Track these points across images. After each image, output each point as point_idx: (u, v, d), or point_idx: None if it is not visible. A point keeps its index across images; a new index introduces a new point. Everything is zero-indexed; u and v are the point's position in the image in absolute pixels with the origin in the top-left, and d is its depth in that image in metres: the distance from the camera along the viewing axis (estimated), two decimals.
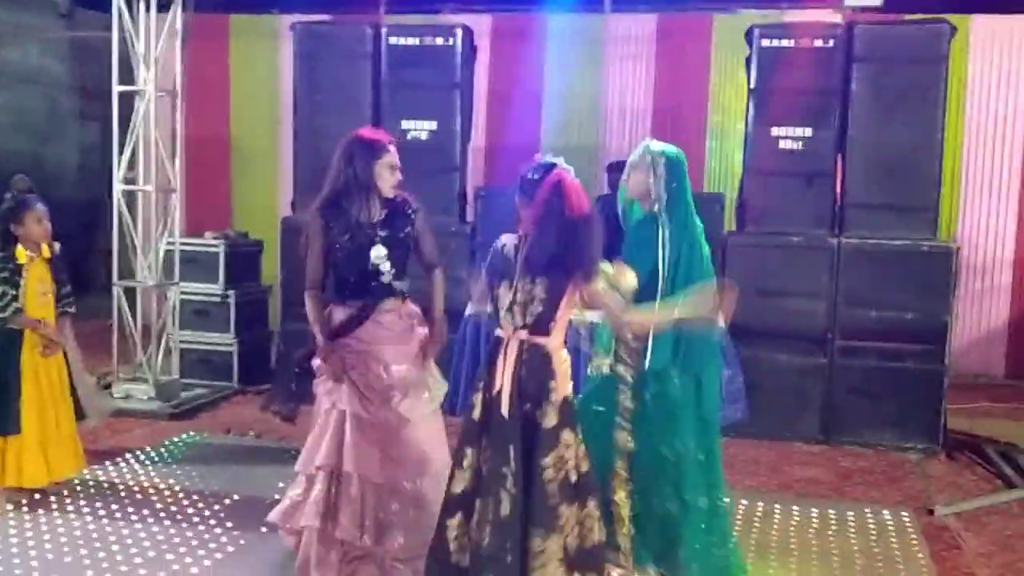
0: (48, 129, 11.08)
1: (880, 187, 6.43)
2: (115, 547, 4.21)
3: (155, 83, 6.85)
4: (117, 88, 6.87)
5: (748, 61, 6.76)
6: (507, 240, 3.23)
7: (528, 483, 3.04)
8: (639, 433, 3.69)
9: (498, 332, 3.18)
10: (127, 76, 6.95)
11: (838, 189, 6.56)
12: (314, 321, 3.73)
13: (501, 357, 3.12)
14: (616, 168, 8.08)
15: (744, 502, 5.08)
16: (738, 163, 7.08)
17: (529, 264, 3.10)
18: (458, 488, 3.17)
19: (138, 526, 4.47)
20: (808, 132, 6.52)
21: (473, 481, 3.14)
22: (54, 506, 4.70)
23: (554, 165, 3.19)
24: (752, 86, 6.69)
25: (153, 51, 6.87)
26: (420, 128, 6.93)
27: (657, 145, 4.01)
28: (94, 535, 4.35)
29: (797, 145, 6.55)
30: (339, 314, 3.75)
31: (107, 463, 5.42)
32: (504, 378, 3.09)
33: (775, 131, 6.56)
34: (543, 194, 3.09)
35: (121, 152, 6.88)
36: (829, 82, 6.50)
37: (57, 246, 4.80)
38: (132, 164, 7.02)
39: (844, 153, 6.50)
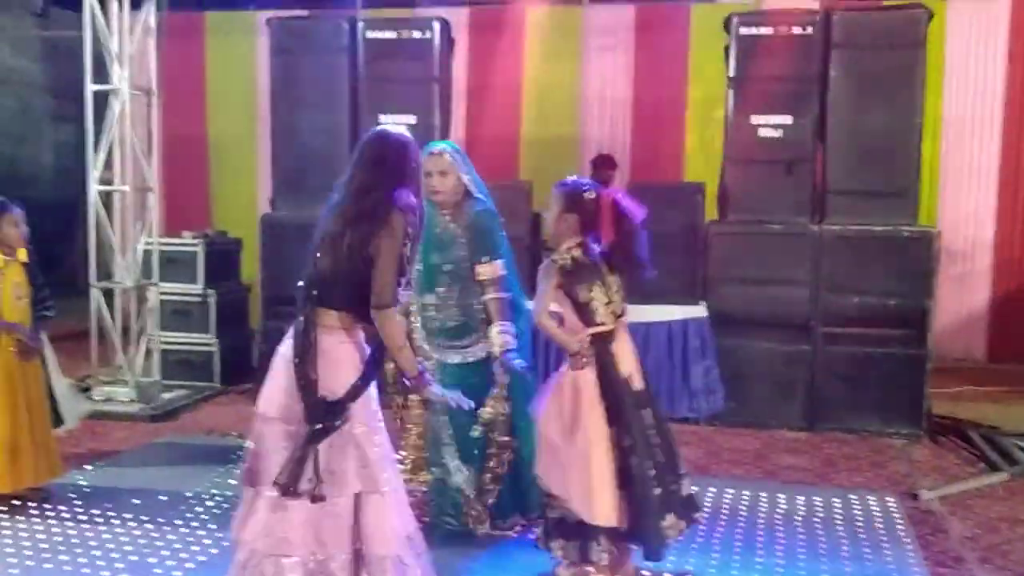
0: (23, 130, 10.98)
1: (860, 173, 6.44)
2: (96, 552, 4.16)
3: (130, 81, 6.78)
4: (91, 87, 6.79)
5: (727, 49, 6.75)
6: (572, 252, 3.72)
7: (663, 433, 3.77)
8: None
9: (598, 328, 3.69)
10: (101, 75, 6.87)
11: (818, 176, 6.56)
12: (403, 346, 3.06)
13: (616, 344, 3.71)
14: (600, 162, 8.09)
15: (730, 491, 5.08)
16: (718, 152, 7.07)
17: (615, 265, 3.76)
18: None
19: (119, 530, 4.42)
20: (788, 119, 6.51)
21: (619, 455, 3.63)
22: (33, 512, 4.64)
23: (595, 185, 3.85)
24: (731, 74, 6.68)
25: (127, 49, 6.79)
26: (399, 122, 6.85)
27: (441, 144, 4.31)
28: (74, 540, 4.30)
29: (777, 133, 6.54)
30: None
31: (87, 466, 5.37)
32: (630, 359, 3.75)
33: (755, 119, 6.55)
34: (610, 212, 3.73)
35: (96, 152, 6.80)
36: (808, 69, 6.49)
37: (30, 249, 4.73)
38: (108, 164, 6.94)
39: (824, 140, 6.50)
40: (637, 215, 3.73)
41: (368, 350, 3.02)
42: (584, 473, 3.60)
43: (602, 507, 3.58)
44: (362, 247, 2.91)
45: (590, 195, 3.74)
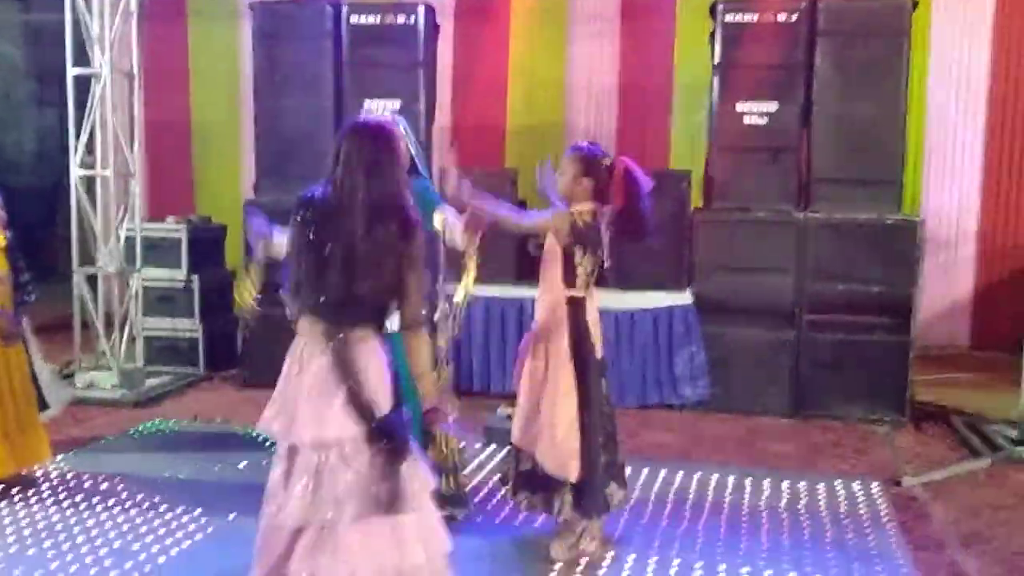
0: (4, 115, 10.88)
1: (845, 161, 6.45)
2: (80, 538, 4.14)
3: (111, 66, 6.71)
4: (72, 71, 6.72)
5: (712, 36, 6.74)
6: (585, 217, 3.90)
7: (610, 404, 4.14)
8: None
9: (574, 293, 3.90)
10: (83, 59, 6.80)
11: (804, 164, 6.57)
12: (426, 371, 3.01)
13: (590, 313, 3.94)
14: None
15: (715, 476, 5.10)
16: (704, 139, 7.07)
17: (621, 230, 4.03)
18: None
19: (103, 516, 4.39)
20: (773, 107, 6.52)
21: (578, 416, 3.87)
22: (16, 497, 4.61)
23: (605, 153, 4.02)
24: (717, 61, 6.67)
25: (108, 33, 6.71)
26: (383, 108, 6.83)
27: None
28: (58, 526, 4.28)
29: (762, 120, 6.54)
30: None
31: (71, 453, 5.33)
32: (598, 328, 4.00)
33: (740, 106, 6.55)
34: (622, 180, 3.93)
35: (78, 137, 6.74)
36: (793, 56, 6.49)
37: (9, 234, 4.69)
38: (91, 149, 6.87)
39: (809, 128, 6.51)
40: (647, 184, 3.98)
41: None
42: (552, 429, 3.85)
43: (568, 461, 3.84)
44: (387, 263, 2.79)
45: (606, 161, 3.94)
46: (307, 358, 2.85)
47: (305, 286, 2.85)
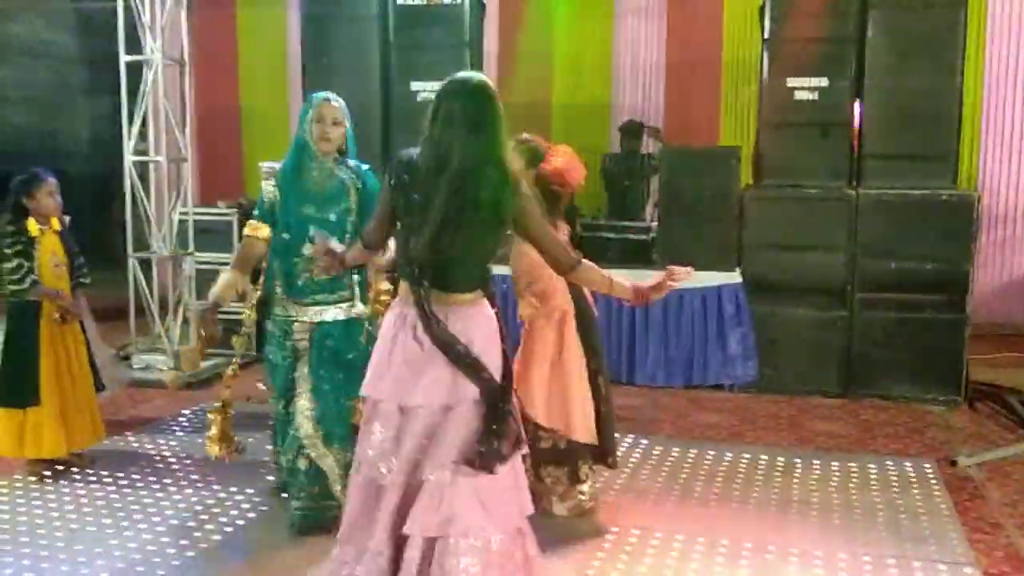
0: (58, 103, 11.08)
1: (898, 136, 6.32)
2: (138, 516, 4.24)
3: (162, 52, 6.81)
4: (124, 58, 6.83)
5: (762, 10, 6.63)
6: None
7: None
8: None
9: None
10: (134, 46, 6.90)
11: (855, 139, 6.45)
12: (609, 278, 3.12)
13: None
14: (627, 129, 7.98)
15: (764, 458, 5.06)
16: (753, 116, 6.97)
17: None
18: None
19: (160, 495, 4.49)
20: (824, 82, 6.40)
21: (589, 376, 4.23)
22: (76, 476, 4.74)
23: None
24: (766, 36, 6.56)
25: (159, 19, 6.81)
26: (430, 89, 6.80)
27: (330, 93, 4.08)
28: (116, 504, 4.39)
29: (813, 95, 6.43)
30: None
31: (127, 433, 5.46)
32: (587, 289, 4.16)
33: (790, 82, 6.44)
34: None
35: (131, 123, 6.85)
36: (845, 30, 6.36)
37: (67, 219, 4.80)
38: (143, 135, 6.99)
39: (861, 102, 6.38)
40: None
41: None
42: (567, 398, 4.02)
43: (585, 425, 4.10)
44: (492, 223, 2.84)
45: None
46: (410, 321, 2.88)
47: (408, 249, 2.84)
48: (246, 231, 4.07)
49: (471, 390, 2.85)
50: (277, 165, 4.11)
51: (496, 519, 2.89)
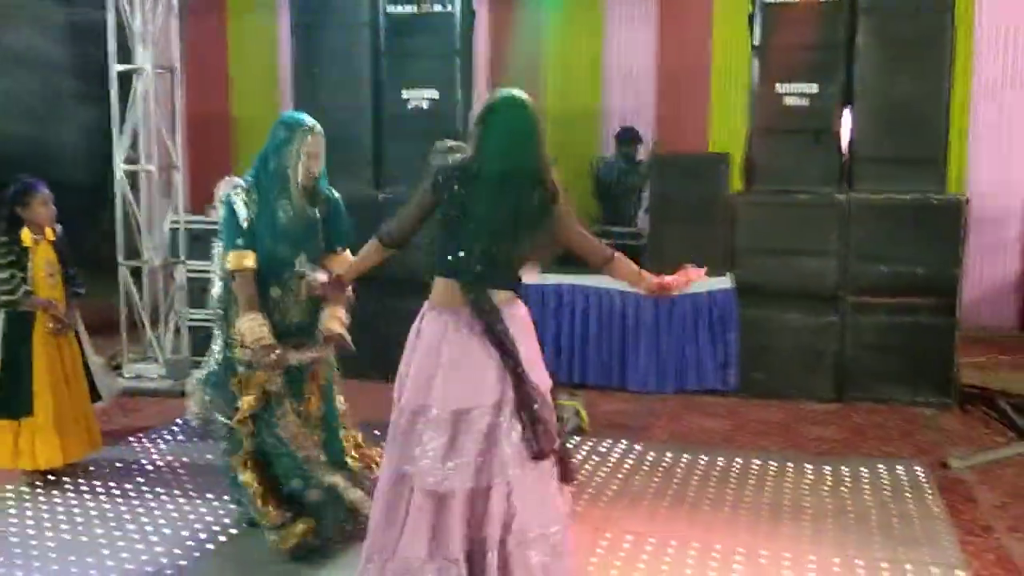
0: (48, 112, 11.03)
1: (888, 141, 6.35)
2: (131, 525, 4.24)
3: (153, 61, 6.80)
4: (115, 67, 6.82)
5: (751, 17, 6.66)
6: None
7: None
8: None
9: None
10: (125, 55, 6.90)
11: (845, 144, 6.48)
12: (640, 270, 3.41)
13: None
14: (624, 136, 8.00)
15: (757, 462, 5.07)
16: (743, 122, 7.00)
17: None
18: None
19: (153, 504, 4.49)
20: (814, 88, 6.43)
21: None
22: (69, 486, 4.72)
23: None
24: (756, 43, 6.59)
25: (150, 28, 6.81)
26: (421, 97, 6.85)
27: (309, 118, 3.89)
28: (110, 514, 4.38)
29: (803, 101, 6.45)
30: None
31: (120, 443, 5.44)
32: None
33: (780, 88, 6.47)
34: None
35: (121, 132, 6.85)
36: (834, 36, 6.39)
37: (59, 228, 4.80)
38: (134, 144, 6.98)
39: (851, 108, 6.41)
40: None
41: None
42: None
43: None
44: (542, 227, 3.02)
45: None
46: (464, 322, 2.98)
47: (460, 253, 2.99)
48: (236, 264, 3.64)
49: (491, 393, 2.98)
50: (238, 180, 3.79)
51: (554, 511, 3.04)
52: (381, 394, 3.97)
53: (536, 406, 2.96)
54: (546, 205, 3.02)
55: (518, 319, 3.06)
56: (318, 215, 3.82)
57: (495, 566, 2.93)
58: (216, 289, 3.88)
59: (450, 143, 4.49)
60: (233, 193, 3.69)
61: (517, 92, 3.13)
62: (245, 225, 3.64)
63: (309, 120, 3.76)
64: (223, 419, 3.87)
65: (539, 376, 3.06)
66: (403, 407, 3.06)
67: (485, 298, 2.98)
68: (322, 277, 3.61)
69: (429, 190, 3.06)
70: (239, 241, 3.64)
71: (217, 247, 3.85)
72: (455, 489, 2.93)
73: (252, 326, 3.57)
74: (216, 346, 3.92)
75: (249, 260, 3.62)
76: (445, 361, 2.99)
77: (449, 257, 3.02)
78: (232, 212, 3.67)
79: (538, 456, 2.95)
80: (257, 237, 3.65)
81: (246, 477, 3.81)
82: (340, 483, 3.81)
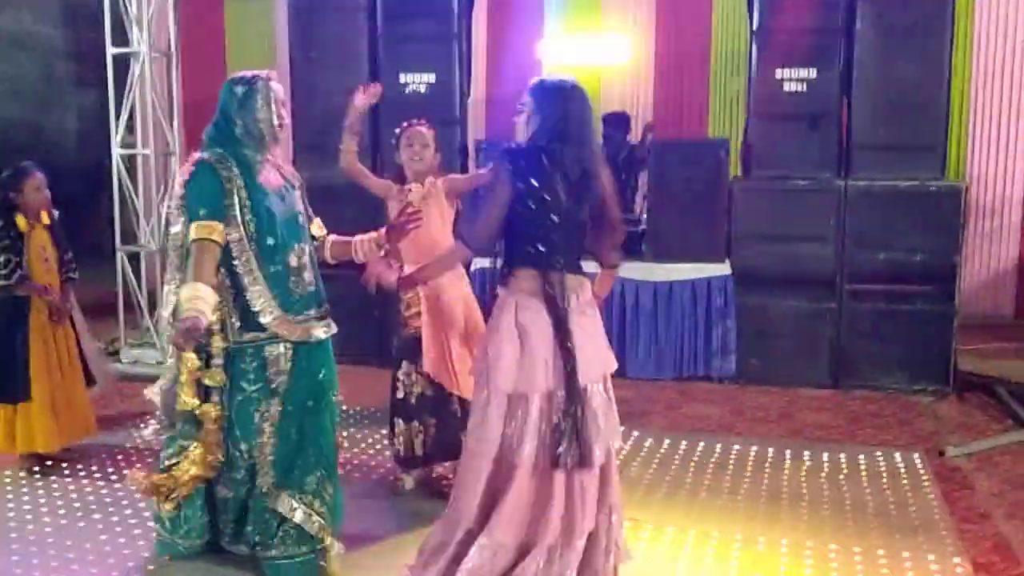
0: (45, 96, 11.01)
1: (887, 127, 6.33)
2: (128, 510, 4.23)
3: (149, 44, 6.77)
4: (111, 51, 6.79)
5: (750, 3, 6.63)
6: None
7: None
8: None
9: None
10: (121, 39, 6.86)
11: (844, 130, 6.47)
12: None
13: None
14: (611, 120, 7.96)
15: (754, 449, 5.08)
16: (742, 107, 6.98)
17: None
18: None
19: None
20: (812, 73, 6.40)
21: None
22: (66, 471, 4.72)
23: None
24: (755, 28, 6.57)
25: (146, 12, 6.78)
26: (419, 81, 6.83)
27: None
28: (107, 499, 4.37)
29: (801, 87, 6.43)
30: None
31: (117, 428, 5.44)
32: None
33: (779, 73, 6.44)
34: None
35: (118, 116, 6.82)
36: (833, 21, 6.36)
37: (55, 213, 4.78)
38: (130, 128, 6.96)
39: (850, 93, 6.39)
40: None
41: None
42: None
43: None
44: (607, 210, 3.13)
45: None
46: (534, 311, 3.03)
47: (533, 243, 3.02)
48: (202, 234, 3.12)
49: (609, 363, 3.14)
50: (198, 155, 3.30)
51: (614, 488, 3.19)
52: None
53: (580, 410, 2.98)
54: (603, 189, 3.11)
55: (591, 303, 3.15)
56: (290, 178, 3.49)
57: (599, 548, 3.08)
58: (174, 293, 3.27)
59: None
60: (200, 163, 3.23)
61: (567, 77, 3.15)
62: (220, 197, 3.16)
63: (261, 71, 3.41)
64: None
65: (605, 358, 3.15)
66: (503, 390, 3.04)
67: (565, 287, 3.04)
68: (391, 275, 3.56)
69: (506, 188, 3.02)
70: (202, 211, 3.14)
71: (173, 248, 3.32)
72: (565, 469, 2.99)
73: (204, 297, 3.00)
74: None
75: (216, 233, 3.12)
76: (539, 347, 3.01)
77: (529, 247, 3.04)
78: (210, 181, 3.18)
79: (553, 462, 2.97)
80: (257, 207, 3.20)
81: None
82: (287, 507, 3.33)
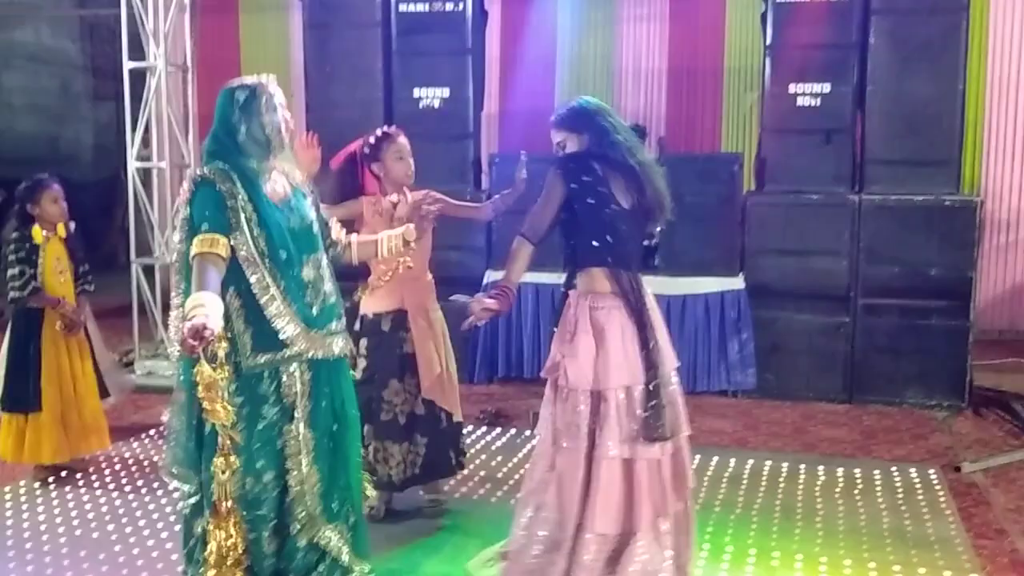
0: (62, 109, 11.11)
1: (901, 142, 6.32)
2: (141, 521, 4.25)
3: (165, 59, 6.83)
4: (128, 65, 6.85)
5: (764, 17, 6.64)
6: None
7: None
8: None
9: None
10: (138, 53, 6.93)
11: (858, 145, 6.46)
12: None
13: None
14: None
15: (768, 463, 5.05)
16: (755, 122, 6.98)
17: None
18: None
19: (163, 500, 4.49)
20: (826, 88, 6.40)
21: None
22: (80, 482, 4.74)
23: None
24: (768, 42, 6.57)
25: (163, 26, 6.84)
26: (432, 96, 6.86)
27: None
28: (120, 510, 4.39)
29: (815, 101, 6.43)
30: None
31: (131, 439, 5.46)
32: None
33: (792, 88, 6.44)
34: None
35: (134, 129, 6.87)
36: (847, 36, 6.36)
37: (72, 225, 4.81)
38: (146, 141, 7.01)
39: (863, 108, 6.38)
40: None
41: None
42: None
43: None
44: (659, 210, 3.30)
45: None
46: (609, 308, 3.16)
47: (601, 239, 3.16)
48: (204, 248, 2.82)
49: (674, 358, 3.29)
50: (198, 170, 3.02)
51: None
52: None
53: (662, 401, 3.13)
54: (654, 179, 3.29)
55: (652, 299, 3.28)
56: (302, 188, 3.21)
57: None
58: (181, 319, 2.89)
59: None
60: (200, 180, 2.95)
61: (579, 99, 3.42)
62: (228, 207, 2.89)
63: (260, 76, 3.14)
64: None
65: (672, 353, 3.29)
66: (584, 387, 3.15)
67: (639, 281, 3.19)
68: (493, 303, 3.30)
69: (563, 192, 3.17)
70: (204, 226, 2.86)
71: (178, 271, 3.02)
72: (652, 458, 3.14)
73: (194, 303, 2.68)
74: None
75: (220, 247, 2.83)
76: (617, 343, 3.15)
77: (597, 243, 3.17)
78: (213, 198, 2.90)
79: (650, 438, 3.11)
80: (266, 221, 2.93)
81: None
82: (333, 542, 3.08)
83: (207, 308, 2.65)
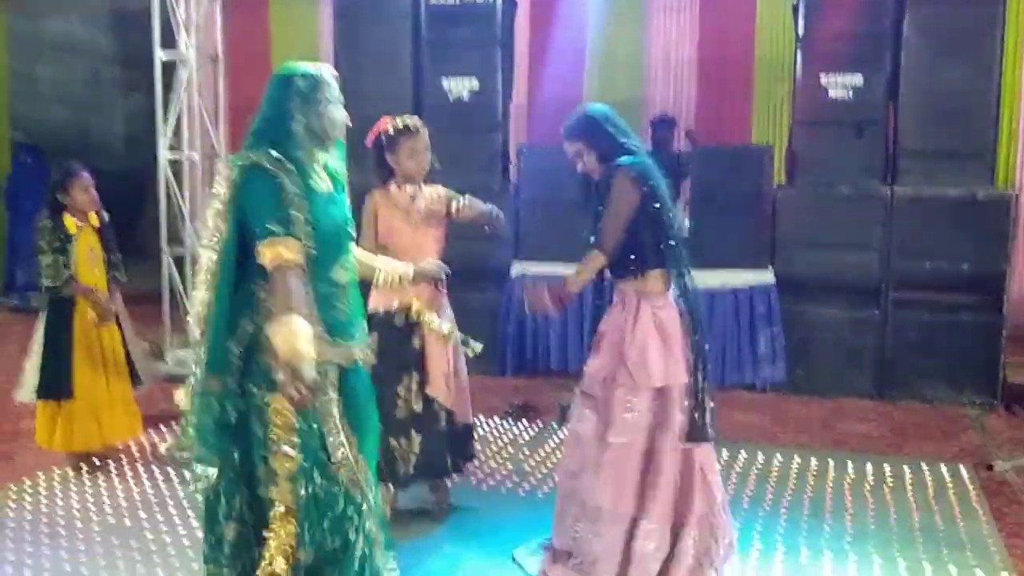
0: (93, 100, 11.18)
1: (934, 134, 6.24)
2: (173, 510, 4.29)
3: (196, 49, 6.86)
4: (159, 55, 6.89)
5: (795, 7, 6.57)
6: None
7: None
8: None
9: None
10: (169, 43, 6.96)
11: (890, 137, 6.38)
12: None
13: None
14: (660, 123, 7.94)
15: (797, 459, 5.02)
16: (786, 113, 6.92)
17: None
18: None
19: (193, 488, 4.52)
20: (859, 79, 6.33)
21: None
22: (113, 470, 4.80)
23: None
24: (800, 33, 6.50)
25: (194, 16, 6.87)
26: (462, 87, 6.86)
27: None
28: (153, 498, 4.44)
29: (847, 93, 6.36)
30: None
31: (162, 427, 5.51)
32: None
33: (824, 79, 6.37)
34: None
35: (165, 120, 6.92)
36: (880, 26, 6.28)
37: (105, 215, 4.86)
38: (177, 132, 7.06)
39: (896, 100, 6.31)
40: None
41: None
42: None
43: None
44: None
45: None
46: (669, 308, 3.37)
47: (664, 241, 3.32)
48: (286, 255, 2.54)
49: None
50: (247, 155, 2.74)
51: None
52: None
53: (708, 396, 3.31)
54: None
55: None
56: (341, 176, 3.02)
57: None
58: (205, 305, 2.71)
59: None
60: (253, 168, 2.67)
61: (583, 108, 3.54)
62: (289, 202, 2.62)
63: (320, 65, 2.98)
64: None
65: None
66: (652, 385, 3.30)
67: (694, 281, 3.34)
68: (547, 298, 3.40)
69: (636, 202, 3.29)
70: (275, 228, 2.56)
71: (207, 254, 2.70)
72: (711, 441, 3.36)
73: (289, 335, 2.41)
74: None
75: (292, 252, 2.55)
76: (676, 343, 3.32)
77: (660, 246, 3.33)
78: (270, 189, 2.63)
79: (693, 438, 3.29)
80: (318, 217, 2.68)
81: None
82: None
83: (304, 342, 2.40)
